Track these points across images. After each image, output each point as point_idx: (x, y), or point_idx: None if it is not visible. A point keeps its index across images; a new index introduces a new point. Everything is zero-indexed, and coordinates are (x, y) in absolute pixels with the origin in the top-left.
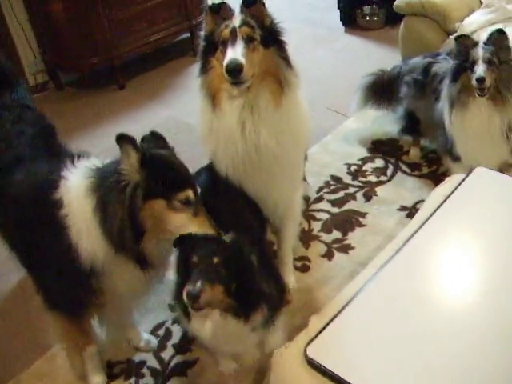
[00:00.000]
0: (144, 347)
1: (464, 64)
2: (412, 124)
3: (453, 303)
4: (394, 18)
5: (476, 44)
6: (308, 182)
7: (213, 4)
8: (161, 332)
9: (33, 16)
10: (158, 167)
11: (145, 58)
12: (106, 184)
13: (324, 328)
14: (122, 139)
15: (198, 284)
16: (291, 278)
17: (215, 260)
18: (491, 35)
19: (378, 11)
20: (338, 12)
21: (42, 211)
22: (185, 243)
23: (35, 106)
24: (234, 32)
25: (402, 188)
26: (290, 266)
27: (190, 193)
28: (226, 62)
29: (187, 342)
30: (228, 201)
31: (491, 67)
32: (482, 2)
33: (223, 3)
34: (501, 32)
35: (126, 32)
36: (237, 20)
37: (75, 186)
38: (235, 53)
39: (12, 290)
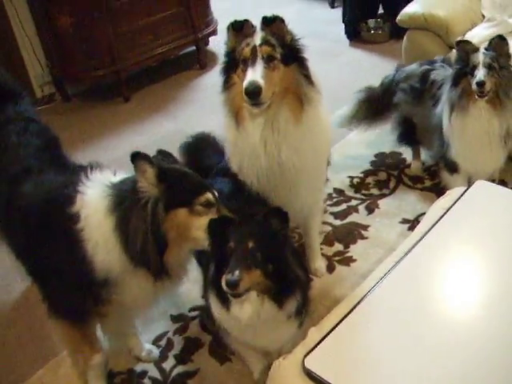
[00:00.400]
0: (145, 357)
1: (464, 69)
2: (408, 131)
3: (452, 315)
4: (398, 32)
5: (477, 49)
6: (329, 178)
7: (235, 21)
8: (162, 342)
9: (40, 30)
10: (174, 178)
11: (150, 70)
12: (125, 204)
13: (322, 339)
14: (137, 157)
15: (237, 273)
16: (320, 263)
17: (250, 244)
18: (492, 41)
19: (382, 25)
20: (343, 26)
21: (55, 224)
22: (218, 226)
23: (39, 118)
24: (254, 51)
25: (404, 201)
26: (318, 251)
27: (209, 195)
28: (245, 84)
29: (188, 353)
30: (246, 196)
31: (491, 72)
32: (484, 16)
33: (246, 21)
34: (501, 38)
35: (132, 45)
36: (257, 38)
37: (93, 202)
38: (254, 74)
39: (16, 300)
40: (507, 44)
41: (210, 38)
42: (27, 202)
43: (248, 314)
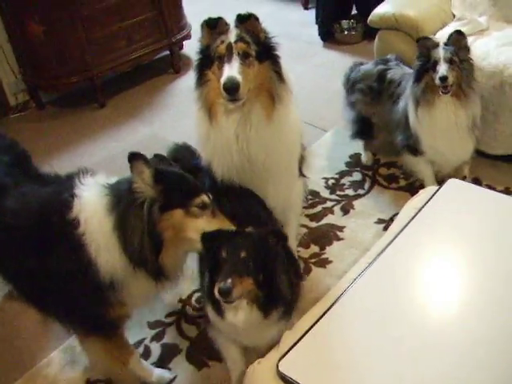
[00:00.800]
0: None
1: (426, 65)
2: (365, 128)
3: (426, 314)
4: (371, 32)
5: (436, 45)
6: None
7: (209, 19)
8: (140, 350)
9: (12, 37)
10: (170, 180)
11: (125, 76)
12: (123, 202)
13: (296, 343)
14: (134, 157)
15: (229, 281)
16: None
17: (243, 254)
18: (450, 36)
19: (355, 25)
20: (317, 27)
21: (54, 233)
22: (211, 239)
23: (5, 133)
24: (229, 48)
25: (380, 201)
26: (294, 254)
27: (204, 197)
28: (223, 80)
29: (166, 360)
30: (233, 196)
31: (452, 66)
32: (454, 16)
33: (220, 18)
34: (459, 33)
35: (106, 50)
36: (232, 35)
37: (91, 204)
38: (232, 71)
39: None
40: (465, 37)
41: (184, 42)
42: (12, 217)
43: (241, 321)
